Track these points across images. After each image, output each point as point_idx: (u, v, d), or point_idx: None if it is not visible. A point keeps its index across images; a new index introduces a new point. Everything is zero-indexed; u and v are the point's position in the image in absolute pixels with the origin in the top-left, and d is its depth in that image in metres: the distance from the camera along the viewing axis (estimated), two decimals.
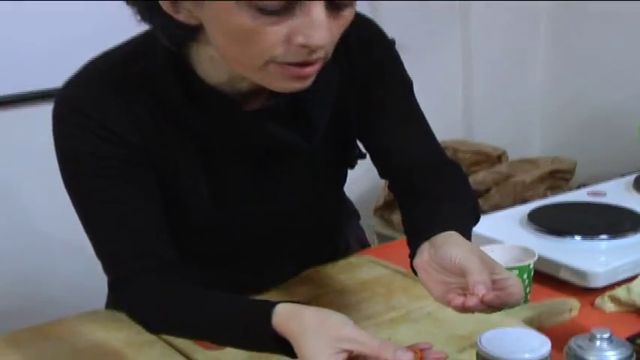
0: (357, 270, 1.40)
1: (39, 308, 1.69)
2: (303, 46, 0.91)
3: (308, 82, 0.97)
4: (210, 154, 1.09)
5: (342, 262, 1.43)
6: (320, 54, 0.93)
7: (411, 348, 0.90)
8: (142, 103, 1.04)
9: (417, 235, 1.01)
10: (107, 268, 1.06)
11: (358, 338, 0.86)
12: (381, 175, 1.17)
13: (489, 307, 0.91)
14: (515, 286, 0.92)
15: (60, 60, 1.55)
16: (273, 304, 0.91)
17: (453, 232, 0.98)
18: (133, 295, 1.03)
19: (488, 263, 0.93)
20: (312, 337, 0.86)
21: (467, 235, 1.01)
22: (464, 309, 0.91)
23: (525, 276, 1.22)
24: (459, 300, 0.91)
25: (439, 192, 1.08)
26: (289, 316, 0.89)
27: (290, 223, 1.21)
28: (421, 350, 0.90)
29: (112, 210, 1.03)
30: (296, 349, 0.88)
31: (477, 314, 0.97)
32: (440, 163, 1.15)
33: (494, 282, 0.93)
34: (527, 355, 0.98)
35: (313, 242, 1.32)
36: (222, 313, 0.97)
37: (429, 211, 1.04)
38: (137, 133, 1.04)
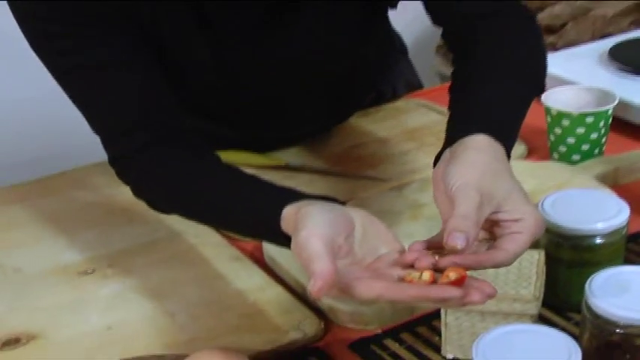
0: (404, 116, 1.30)
1: (52, 159, 1.58)
2: None
3: None
4: (204, 5, 0.96)
5: (386, 107, 1.32)
6: None
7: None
8: None
9: (449, 126, 0.83)
10: (103, 144, 0.94)
11: (305, 257, 0.69)
12: (434, 20, 0.98)
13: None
14: (525, 233, 0.71)
15: None
16: (283, 203, 0.77)
17: (480, 138, 0.77)
18: (135, 172, 0.92)
19: (492, 196, 0.72)
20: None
21: (505, 135, 0.81)
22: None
23: (602, 124, 1.11)
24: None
25: (494, 56, 0.88)
26: (290, 217, 0.76)
27: (315, 72, 1.08)
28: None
29: (92, 75, 0.90)
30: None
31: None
32: (506, 11, 0.94)
33: (496, 223, 0.73)
34: (599, 225, 0.83)
35: (347, 92, 1.19)
36: (229, 205, 0.85)
37: (471, 92, 0.86)
38: None
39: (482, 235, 0.73)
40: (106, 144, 0.93)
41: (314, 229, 0.69)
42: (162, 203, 0.93)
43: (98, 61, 0.90)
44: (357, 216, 0.73)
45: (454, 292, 0.65)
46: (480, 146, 0.77)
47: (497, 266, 0.71)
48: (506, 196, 0.72)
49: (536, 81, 0.93)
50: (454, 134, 0.79)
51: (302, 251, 0.68)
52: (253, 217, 0.81)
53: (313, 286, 0.66)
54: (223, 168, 0.89)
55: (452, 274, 0.66)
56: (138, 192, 0.93)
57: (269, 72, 1.06)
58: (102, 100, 0.91)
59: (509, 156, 0.79)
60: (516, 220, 0.72)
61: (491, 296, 0.67)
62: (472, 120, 0.80)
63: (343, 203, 0.77)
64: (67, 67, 0.90)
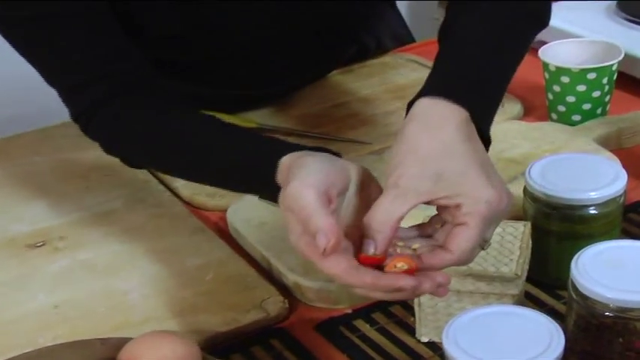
0: (392, 72, 1.27)
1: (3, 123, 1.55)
2: None
3: None
4: None
5: (372, 63, 1.30)
6: None
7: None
8: None
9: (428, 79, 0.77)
10: (62, 99, 0.92)
11: (296, 210, 0.67)
12: None
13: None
14: (469, 225, 0.65)
15: None
16: (279, 153, 0.74)
17: (429, 105, 0.71)
18: (102, 126, 0.90)
19: (440, 180, 0.66)
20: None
21: (479, 92, 0.74)
22: None
23: (606, 80, 1.08)
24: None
25: None
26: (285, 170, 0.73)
27: (288, 20, 1.05)
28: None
29: (42, 27, 0.88)
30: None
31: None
32: None
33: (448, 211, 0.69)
34: (593, 193, 0.79)
35: (325, 44, 1.16)
36: (217, 154, 0.82)
37: (451, 32, 0.80)
38: None
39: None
40: (65, 99, 0.91)
41: (307, 178, 0.66)
42: (137, 157, 0.91)
43: (47, 12, 0.87)
44: (355, 173, 0.70)
45: (408, 280, 0.62)
46: (412, 117, 0.71)
47: (448, 266, 0.66)
48: (437, 180, 0.66)
49: (537, 13, 0.85)
50: (416, 95, 0.73)
51: (293, 203, 0.66)
52: (245, 166, 0.78)
53: (326, 244, 0.63)
54: (203, 114, 0.87)
55: (400, 264, 0.64)
56: (108, 147, 0.91)
57: (237, 21, 1.02)
58: (55, 52, 0.89)
59: (486, 117, 0.74)
60: (454, 208, 0.66)
61: (442, 285, 0.65)
62: (436, 77, 0.75)
63: (340, 156, 0.74)
64: (14, 21, 0.88)
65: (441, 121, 0.69)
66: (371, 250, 0.65)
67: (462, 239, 0.65)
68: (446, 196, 0.66)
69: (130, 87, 0.89)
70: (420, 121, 0.70)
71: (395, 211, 0.66)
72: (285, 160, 0.72)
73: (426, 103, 0.71)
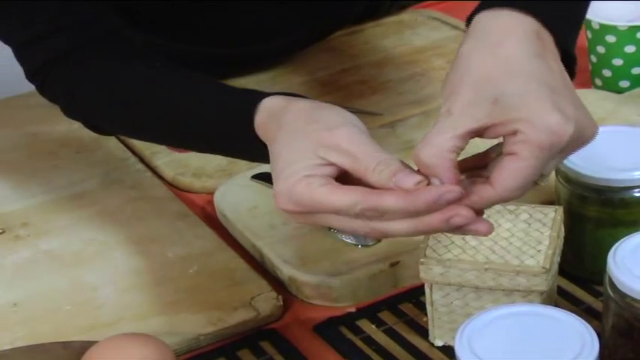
0: (409, 32, 1.29)
1: None
2: None
3: None
4: None
5: (387, 22, 1.31)
6: None
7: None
8: None
9: None
10: (16, 56, 0.92)
11: (351, 148, 0.69)
12: None
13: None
14: (520, 155, 0.64)
15: None
16: (259, 96, 0.77)
17: (493, 16, 0.70)
18: (61, 85, 0.91)
19: (496, 101, 0.66)
20: (289, 141, 0.71)
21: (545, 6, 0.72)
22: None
23: None
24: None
25: None
26: (272, 114, 0.75)
27: None
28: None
29: None
30: (270, 160, 0.74)
31: None
32: None
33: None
34: (637, 174, 0.78)
35: None
36: (188, 107, 0.84)
37: None
38: None
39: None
40: (19, 56, 0.92)
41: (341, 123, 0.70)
42: (100, 118, 0.92)
43: None
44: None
45: (454, 190, 0.63)
46: (469, 36, 0.70)
47: (489, 206, 0.66)
48: (494, 103, 0.65)
49: None
50: (474, 12, 0.72)
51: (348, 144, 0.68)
52: (217, 117, 0.80)
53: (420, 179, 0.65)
54: (172, 67, 0.87)
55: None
56: (67, 108, 0.92)
57: None
58: (5, 3, 0.89)
59: (566, 30, 0.71)
60: (511, 136, 0.65)
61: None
62: None
63: None
64: None
65: (503, 34, 0.68)
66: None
67: (508, 171, 0.64)
68: (501, 122, 0.65)
69: (90, 40, 0.89)
70: (478, 38, 0.69)
71: (446, 142, 0.65)
72: (267, 102, 0.74)
73: (485, 16, 0.70)
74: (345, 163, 0.68)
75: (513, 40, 0.68)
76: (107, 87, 0.88)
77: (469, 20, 0.72)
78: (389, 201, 0.64)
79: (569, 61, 0.71)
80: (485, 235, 0.66)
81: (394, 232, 0.66)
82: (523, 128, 0.64)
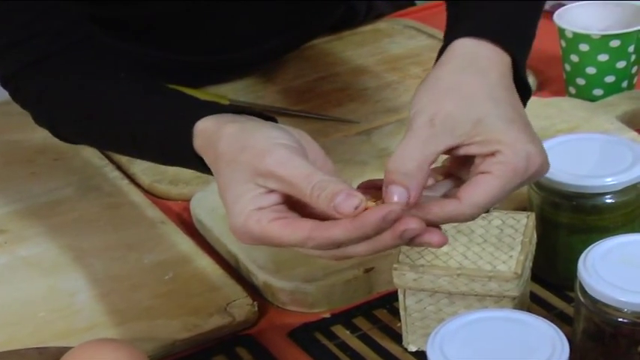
0: (386, 40, 1.30)
1: None
2: None
3: None
4: None
5: (364, 30, 1.33)
6: None
7: (371, 184, 0.70)
8: None
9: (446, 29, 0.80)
10: None
11: (284, 175, 0.67)
12: None
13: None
14: (495, 174, 0.66)
15: None
16: (194, 116, 0.76)
17: (459, 45, 0.73)
18: (31, 92, 0.91)
19: (456, 122, 0.68)
20: (227, 174, 0.71)
21: (505, 32, 0.75)
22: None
23: (632, 48, 1.08)
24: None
25: None
26: (207, 138, 0.75)
27: None
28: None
29: None
30: (218, 192, 0.74)
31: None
32: None
33: (466, 161, 0.69)
34: (609, 180, 0.79)
35: (306, 3, 1.18)
36: (137, 124, 0.84)
37: None
38: None
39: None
40: None
41: (278, 140, 0.68)
42: (64, 128, 0.92)
43: None
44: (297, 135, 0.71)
45: (395, 209, 0.62)
46: (453, 56, 0.73)
47: (449, 221, 0.66)
48: (477, 122, 0.67)
49: None
50: (443, 45, 0.76)
51: (279, 169, 0.66)
52: (163, 133, 0.79)
53: (358, 202, 0.63)
54: (136, 78, 0.88)
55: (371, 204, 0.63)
56: (36, 115, 0.92)
57: None
58: None
59: (524, 66, 0.75)
60: (486, 156, 0.67)
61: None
62: (459, 22, 0.76)
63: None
64: None
65: (489, 64, 0.71)
66: (403, 198, 0.64)
67: (480, 188, 0.65)
68: (480, 142, 0.67)
69: (63, 47, 0.89)
70: (465, 60, 0.72)
71: (429, 153, 0.66)
72: (200, 127, 0.73)
73: (470, 44, 0.73)
74: (284, 189, 0.67)
75: (497, 71, 0.71)
76: (71, 97, 0.89)
77: (443, 48, 0.74)
78: (337, 233, 0.63)
79: (526, 94, 0.75)
80: (438, 247, 0.65)
81: (355, 254, 0.66)
82: (505, 150, 0.66)
